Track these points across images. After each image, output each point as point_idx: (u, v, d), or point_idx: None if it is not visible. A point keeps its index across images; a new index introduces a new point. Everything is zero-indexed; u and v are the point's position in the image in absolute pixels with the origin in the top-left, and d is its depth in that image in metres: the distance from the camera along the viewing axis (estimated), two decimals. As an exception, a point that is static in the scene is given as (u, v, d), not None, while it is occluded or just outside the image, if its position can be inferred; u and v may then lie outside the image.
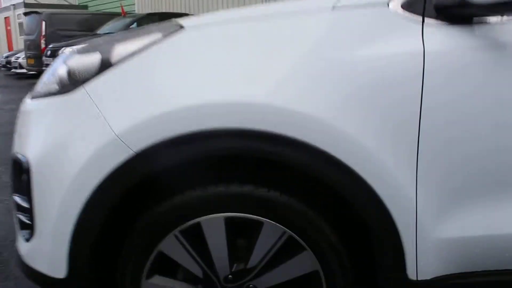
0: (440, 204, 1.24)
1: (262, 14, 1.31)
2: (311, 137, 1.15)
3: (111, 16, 11.04)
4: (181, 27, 1.29)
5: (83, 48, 1.39)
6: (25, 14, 11.65)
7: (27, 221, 1.37)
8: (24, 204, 1.37)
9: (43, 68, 9.02)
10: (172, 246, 1.23)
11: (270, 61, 1.19)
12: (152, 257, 1.24)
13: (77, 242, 1.25)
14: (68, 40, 8.91)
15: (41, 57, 10.00)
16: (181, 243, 1.23)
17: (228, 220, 1.21)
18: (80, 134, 1.23)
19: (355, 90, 1.17)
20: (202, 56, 1.23)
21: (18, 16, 13.71)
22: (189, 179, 1.24)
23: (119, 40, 1.33)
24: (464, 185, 1.24)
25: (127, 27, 8.94)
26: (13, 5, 13.00)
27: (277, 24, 1.26)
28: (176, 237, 1.22)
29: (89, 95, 1.25)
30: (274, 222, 1.20)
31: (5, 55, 14.72)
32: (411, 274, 1.26)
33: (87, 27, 10.70)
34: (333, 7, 1.24)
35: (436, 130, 1.19)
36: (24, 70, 12.28)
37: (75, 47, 1.41)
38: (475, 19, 1.19)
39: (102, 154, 1.19)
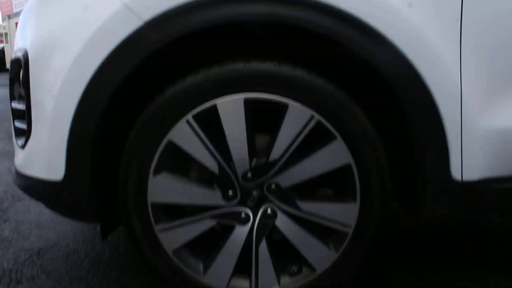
0: (487, 89, 1.08)
1: None
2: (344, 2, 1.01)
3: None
4: None
5: None
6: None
7: (23, 126, 1.24)
8: (21, 106, 1.25)
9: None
10: (183, 134, 1.08)
11: None
12: (161, 148, 1.09)
13: (76, 134, 1.11)
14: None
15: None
16: (194, 131, 1.07)
17: (248, 103, 1.06)
18: (84, 9, 1.09)
19: None
20: None
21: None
22: (203, 55, 1.10)
23: None
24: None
25: None
26: (25, 11, 13.16)
27: None
28: (189, 123, 1.07)
29: None
30: (300, 105, 1.05)
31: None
32: (456, 173, 1.10)
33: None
34: None
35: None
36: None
37: None
38: None
39: (108, 27, 1.05)
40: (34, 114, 1.18)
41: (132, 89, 1.13)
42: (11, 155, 3.04)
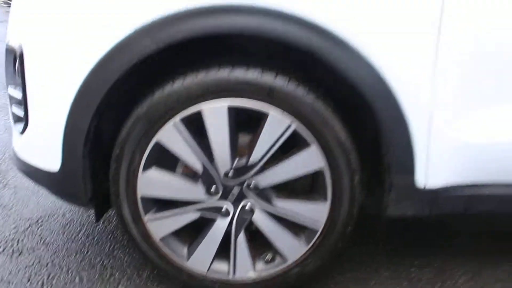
0: (458, 104, 1.16)
1: None
2: (321, 17, 1.06)
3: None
4: None
5: None
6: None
7: (21, 113, 1.31)
8: (18, 94, 1.30)
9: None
10: (170, 136, 1.16)
11: None
12: (149, 147, 1.17)
13: (72, 129, 1.18)
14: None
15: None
16: (181, 133, 1.16)
17: (231, 110, 1.14)
18: (76, 7, 1.13)
19: None
20: None
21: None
22: (191, 62, 1.16)
23: None
24: (485, 86, 1.15)
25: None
26: None
27: None
28: (176, 126, 1.15)
29: None
30: (279, 113, 1.13)
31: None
32: (420, 181, 1.20)
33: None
34: None
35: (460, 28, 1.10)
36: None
37: None
38: None
39: (103, 31, 1.11)
40: (31, 106, 1.25)
41: (126, 86, 1.19)
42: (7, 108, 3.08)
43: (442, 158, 1.19)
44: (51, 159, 1.24)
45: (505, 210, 1.32)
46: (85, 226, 1.71)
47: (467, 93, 1.15)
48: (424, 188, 1.20)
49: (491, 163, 1.22)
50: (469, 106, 1.16)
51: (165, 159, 1.24)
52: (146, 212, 1.25)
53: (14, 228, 1.68)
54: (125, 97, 1.22)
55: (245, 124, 1.21)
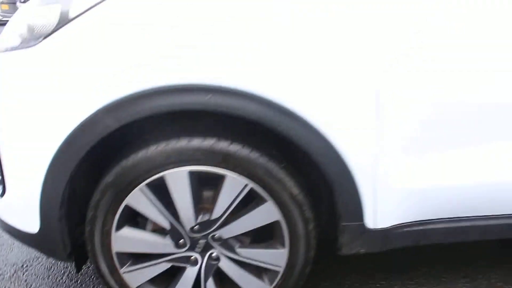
0: (399, 160, 1.29)
1: None
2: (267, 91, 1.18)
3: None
4: None
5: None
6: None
7: (-1, 177, 1.40)
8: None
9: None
10: (138, 199, 1.27)
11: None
12: (119, 211, 1.28)
13: (48, 196, 1.28)
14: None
15: (15, 3, 9.92)
16: (147, 197, 1.27)
17: (191, 174, 1.25)
18: (44, 89, 1.23)
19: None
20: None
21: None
22: (152, 134, 1.26)
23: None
24: (424, 137, 1.29)
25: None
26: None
27: None
28: (142, 190, 1.26)
29: (51, 50, 1.23)
30: (236, 175, 1.25)
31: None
32: (369, 223, 1.33)
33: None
34: None
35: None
36: (-2, 17, 11.88)
37: None
38: None
39: (68, 108, 1.20)
40: (7, 175, 1.35)
41: (95, 156, 1.29)
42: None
43: (388, 203, 1.32)
44: (30, 222, 1.34)
45: (449, 241, 1.46)
46: (69, 268, 1.81)
47: (405, 151, 1.28)
48: (374, 229, 1.33)
49: (433, 203, 1.36)
50: (408, 160, 1.30)
51: (137, 217, 1.35)
52: (122, 265, 1.36)
53: (0, 275, 1.78)
54: (98, 163, 1.32)
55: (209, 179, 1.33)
